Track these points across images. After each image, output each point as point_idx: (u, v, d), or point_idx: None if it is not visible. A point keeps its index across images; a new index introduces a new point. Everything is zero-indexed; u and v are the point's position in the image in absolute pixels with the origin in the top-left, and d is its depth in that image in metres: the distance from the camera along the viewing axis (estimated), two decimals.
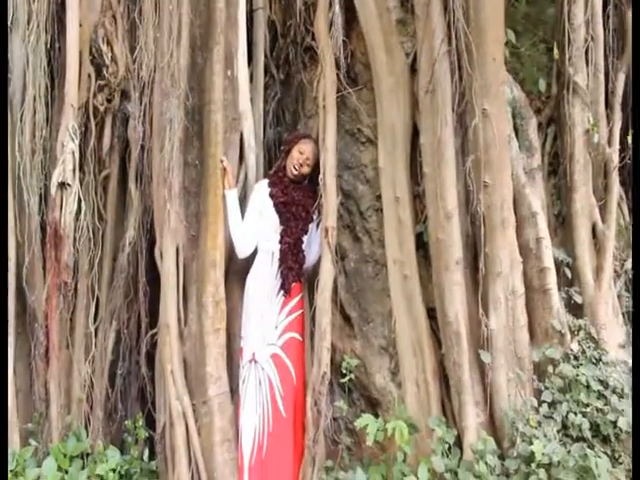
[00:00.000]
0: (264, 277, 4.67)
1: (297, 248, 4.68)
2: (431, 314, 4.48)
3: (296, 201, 4.71)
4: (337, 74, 4.86)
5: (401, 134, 4.57)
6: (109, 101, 5.29)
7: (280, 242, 4.68)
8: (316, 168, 4.74)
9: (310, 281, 4.79)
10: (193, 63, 5.01)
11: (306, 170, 4.78)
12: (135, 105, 5.23)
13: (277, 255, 4.67)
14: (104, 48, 5.19)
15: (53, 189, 4.59)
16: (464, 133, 4.31)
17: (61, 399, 5.09)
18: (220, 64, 4.81)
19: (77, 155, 4.66)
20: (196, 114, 4.99)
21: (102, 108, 5.24)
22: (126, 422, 5.04)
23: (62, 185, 4.60)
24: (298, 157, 4.75)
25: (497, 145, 4.09)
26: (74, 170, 4.63)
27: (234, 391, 4.65)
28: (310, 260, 4.82)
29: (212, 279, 4.59)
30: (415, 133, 4.61)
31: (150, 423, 5.02)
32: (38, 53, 4.99)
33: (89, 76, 5.14)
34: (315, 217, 4.81)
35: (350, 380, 4.65)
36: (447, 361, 4.18)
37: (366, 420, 4.22)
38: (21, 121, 4.98)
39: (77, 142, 4.66)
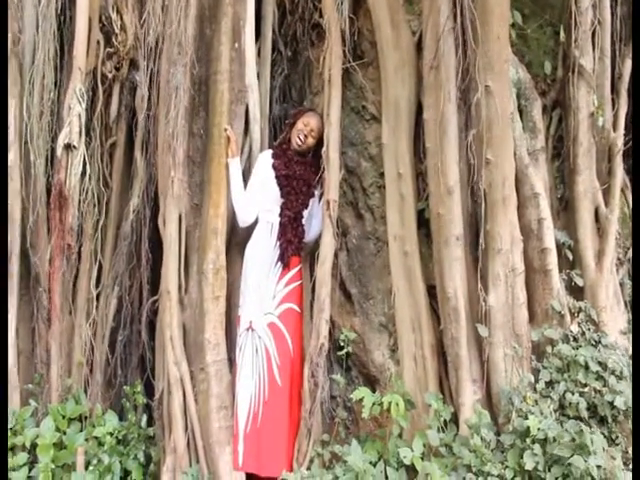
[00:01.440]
0: (263, 247, 4.49)
1: (297, 222, 4.50)
2: (431, 291, 4.29)
3: (298, 175, 4.52)
4: (343, 50, 4.66)
5: (405, 110, 4.37)
6: (117, 69, 5.09)
7: (280, 215, 4.50)
8: (320, 142, 4.54)
9: (311, 254, 4.61)
10: (201, 34, 4.82)
11: (311, 142, 4.58)
12: (142, 74, 5.04)
13: (276, 227, 4.49)
14: (114, 16, 4.97)
15: (59, 150, 4.41)
16: (467, 110, 4.11)
17: (62, 362, 4.91)
18: (227, 35, 4.63)
19: (84, 118, 4.48)
20: (202, 85, 4.81)
21: (110, 75, 5.04)
22: (125, 388, 4.86)
23: (68, 147, 4.42)
24: (302, 128, 4.56)
25: (500, 122, 3.89)
26: (80, 133, 4.45)
27: (233, 361, 4.46)
28: (311, 235, 4.65)
29: (213, 247, 4.39)
30: (419, 110, 4.41)
31: (149, 390, 4.87)
32: (49, 18, 4.80)
33: (98, 43, 4.93)
34: (317, 192, 4.63)
35: (348, 356, 4.50)
36: (445, 337, 4.00)
37: (362, 393, 4.04)
38: (30, 83, 4.79)
39: (84, 106, 4.48)
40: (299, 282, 4.55)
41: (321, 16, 4.92)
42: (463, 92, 4.06)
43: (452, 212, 3.92)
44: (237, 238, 4.71)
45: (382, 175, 4.63)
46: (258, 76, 4.99)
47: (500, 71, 3.92)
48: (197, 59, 4.73)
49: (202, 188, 4.66)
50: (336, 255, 4.51)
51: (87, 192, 4.83)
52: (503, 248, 3.89)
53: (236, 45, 4.79)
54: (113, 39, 5.00)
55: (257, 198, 4.52)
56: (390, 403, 3.86)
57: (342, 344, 4.38)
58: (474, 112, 3.97)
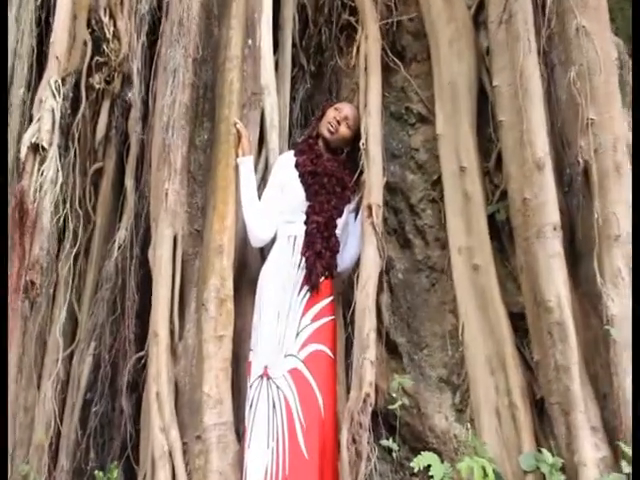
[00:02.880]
0: (284, 268, 3.26)
1: (328, 231, 3.28)
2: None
3: (328, 171, 3.36)
4: (382, 44, 3.72)
5: (464, 91, 3.33)
6: (108, 83, 4.13)
7: (306, 222, 3.30)
8: (356, 139, 3.44)
9: (349, 285, 3.43)
10: (207, 31, 3.92)
11: (344, 131, 3.44)
12: (136, 90, 4.09)
13: (301, 240, 3.29)
14: (105, 20, 4.07)
15: (23, 150, 3.30)
16: (551, 68, 3.07)
17: (17, 442, 3.65)
18: (238, 20, 3.68)
19: (58, 115, 3.43)
20: (208, 91, 3.83)
21: (99, 87, 4.06)
22: (97, 474, 3.52)
23: (36, 148, 3.35)
24: (335, 115, 3.46)
25: (602, 70, 2.80)
26: (53, 131, 3.38)
27: (241, 424, 3.15)
28: (346, 260, 3.43)
29: (217, 270, 3.22)
30: (481, 91, 3.41)
31: (131, 477, 3.55)
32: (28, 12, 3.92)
33: (85, 44, 3.99)
34: (354, 202, 3.46)
35: (398, 418, 3.21)
36: (543, 369, 2.71)
37: (428, 459, 2.72)
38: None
39: (60, 100, 3.44)
40: (331, 317, 3.26)
41: (351, 13, 4.03)
42: (544, 47, 3.00)
43: (545, 193, 2.75)
44: (249, 261, 3.53)
45: (435, 185, 3.55)
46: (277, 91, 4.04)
47: (597, 6, 2.90)
48: (202, 61, 3.83)
49: (205, 212, 3.53)
50: (377, 296, 3.34)
51: (62, 220, 3.75)
52: (621, 234, 2.72)
53: (249, 42, 3.83)
54: (104, 46, 4.09)
55: (275, 208, 3.36)
56: (471, 470, 2.56)
57: (394, 395, 3.11)
58: (565, 62, 2.90)
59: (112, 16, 4.12)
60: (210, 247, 3.28)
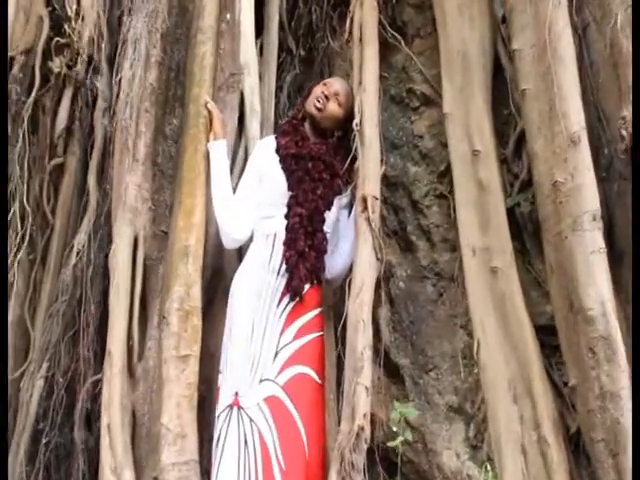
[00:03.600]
0: (260, 274, 2.66)
1: (313, 225, 2.69)
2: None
3: (315, 155, 2.76)
4: (380, 18, 3.17)
5: (477, 62, 2.78)
6: (70, 67, 3.60)
7: (287, 215, 2.70)
8: (349, 122, 2.83)
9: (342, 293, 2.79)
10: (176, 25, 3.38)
11: (335, 108, 2.84)
12: (104, 77, 3.56)
13: (281, 239, 2.69)
14: None
15: None
16: (583, 28, 2.50)
17: None
18: None
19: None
20: (180, 74, 3.26)
21: (59, 72, 3.52)
22: None
23: None
24: (323, 89, 2.86)
25: None
26: None
27: (205, 456, 2.57)
28: (338, 264, 2.83)
29: (181, 276, 2.64)
30: (496, 67, 2.85)
31: None
32: None
33: (41, 19, 3.46)
34: (346, 196, 2.87)
35: (399, 456, 2.63)
36: (582, 396, 2.10)
37: None
38: None
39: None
40: (318, 334, 2.66)
41: None
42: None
43: (581, 174, 2.15)
44: (224, 266, 2.96)
45: (443, 177, 2.99)
46: (260, 84, 3.50)
47: None
48: (175, 40, 3.30)
49: (175, 211, 2.95)
50: (374, 308, 2.75)
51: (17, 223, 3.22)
52: None
53: (228, 16, 3.30)
54: (65, 26, 3.56)
55: (252, 201, 2.77)
56: None
57: (395, 429, 2.53)
58: (600, 19, 2.34)
59: None
60: (174, 249, 2.71)
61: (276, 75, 3.62)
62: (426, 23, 3.25)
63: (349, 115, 2.85)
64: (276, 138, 2.86)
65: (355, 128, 2.75)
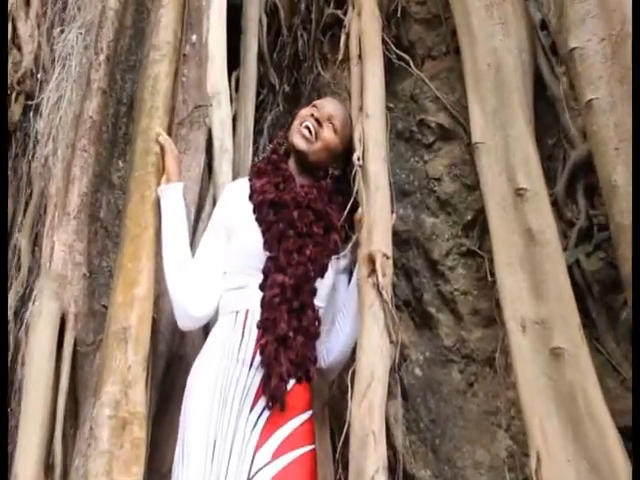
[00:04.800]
0: (225, 367, 1.86)
1: (302, 299, 1.91)
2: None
3: (301, 201, 2.00)
4: (382, 36, 2.49)
5: (515, 77, 2.04)
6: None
7: (263, 285, 1.92)
8: (348, 157, 2.13)
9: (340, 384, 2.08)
10: (136, 20, 2.70)
11: (329, 137, 2.08)
12: (43, 118, 2.84)
13: (254, 317, 1.91)
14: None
15: None
16: None
17: None
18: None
19: None
20: (129, 119, 2.58)
21: None
22: None
23: None
24: (313, 112, 2.11)
25: None
26: None
27: None
28: (335, 348, 2.06)
29: (117, 370, 1.86)
30: (538, 79, 2.15)
31: None
32: None
33: None
34: (345, 258, 2.12)
35: None
36: None
37: None
38: None
39: None
40: (308, 448, 1.86)
41: (338, 6, 2.83)
42: None
43: None
44: (181, 353, 2.19)
45: (469, 228, 2.25)
46: (234, 120, 2.81)
47: None
48: (129, 67, 2.63)
49: (114, 280, 2.16)
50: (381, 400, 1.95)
51: None
52: None
53: (193, 38, 2.64)
54: None
55: (217, 265, 2.00)
56: None
57: None
58: None
59: (13, 20, 2.93)
60: (110, 332, 1.95)
61: (255, 114, 2.97)
62: (439, 41, 2.58)
63: (347, 146, 2.13)
64: (250, 181, 2.11)
65: (356, 163, 2.03)
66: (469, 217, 2.27)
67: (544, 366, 1.80)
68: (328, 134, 2.08)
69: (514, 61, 2.07)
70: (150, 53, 2.31)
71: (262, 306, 1.89)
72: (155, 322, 2.07)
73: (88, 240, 2.25)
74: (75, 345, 2.12)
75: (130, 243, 2.02)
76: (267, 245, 1.94)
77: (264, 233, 1.95)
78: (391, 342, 1.82)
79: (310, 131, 2.06)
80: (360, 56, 2.28)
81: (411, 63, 2.50)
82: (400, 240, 2.42)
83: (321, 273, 1.98)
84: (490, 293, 2.18)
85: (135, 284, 1.96)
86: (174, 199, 2.04)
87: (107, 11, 2.49)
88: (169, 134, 2.30)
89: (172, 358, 2.19)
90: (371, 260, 1.87)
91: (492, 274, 2.13)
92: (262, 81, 3.16)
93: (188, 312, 1.94)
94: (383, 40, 2.53)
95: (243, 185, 2.11)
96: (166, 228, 2.01)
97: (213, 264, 1.99)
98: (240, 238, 1.99)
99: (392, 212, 2.09)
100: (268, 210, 1.97)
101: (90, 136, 2.32)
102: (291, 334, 1.85)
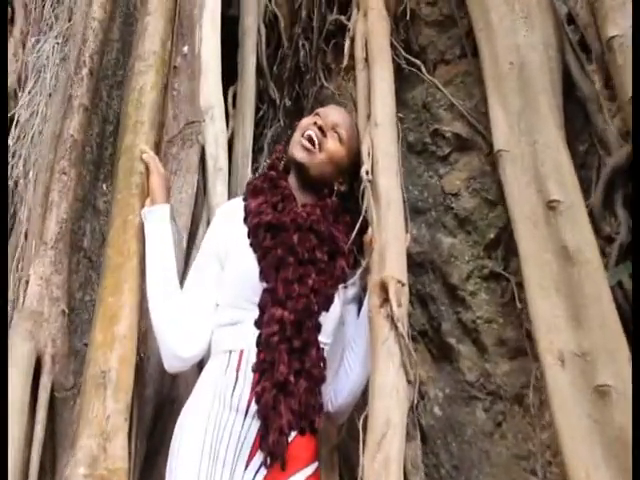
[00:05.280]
0: (216, 414, 1.59)
1: (304, 337, 1.65)
2: None
3: (304, 223, 1.74)
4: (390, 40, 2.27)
5: (542, 76, 1.80)
6: None
7: (259, 322, 1.66)
8: (356, 172, 1.87)
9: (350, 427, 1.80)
10: (124, 33, 2.48)
11: (335, 148, 1.83)
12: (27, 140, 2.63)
13: (250, 359, 1.65)
14: None
15: None
16: None
17: None
18: (160, 4, 2.23)
19: None
20: (116, 138, 2.31)
21: None
22: None
23: None
24: (315, 120, 1.86)
25: None
26: None
27: None
28: (344, 389, 1.79)
29: (95, 420, 1.60)
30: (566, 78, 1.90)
31: None
32: None
33: None
34: (355, 286, 1.86)
35: None
36: None
37: None
38: None
39: None
40: None
41: (342, 11, 2.60)
42: None
43: None
44: (173, 396, 1.94)
45: (492, 248, 1.99)
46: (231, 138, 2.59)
47: None
48: (117, 83, 2.40)
49: (94, 316, 1.92)
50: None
51: None
52: None
53: (185, 49, 2.42)
54: None
55: (208, 298, 1.74)
56: None
57: None
58: None
59: None
60: (88, 376, 1.70)
61: (254, 130, 2.74)
62: (452, 44, 2.33)
63: (355, 159, 1.88)
64: (244, 200, 1.85)
65: (365, 178, 1.78)
66: (492, 235, 2.01)
67: (588, 406, 1.53)
68: (333, 144, 1.82)
69: (540, 58, 1.82)
70: (135, 64, 2.09)
71: (258, 346, 1.63)
72: (141, 362, 1.84)
73: (68, 272, 2.01)
74: (52, 390, 1.87)
75: (111, 274, 1.78)
76: (263, 275, 1.68)
77: (260, 261, 1.69)
78: (409, 382, 1.56)
79: (312, 141, 1.80)
80: (367, 59, 2.04)
81: (422, 69, 2.26)
82: (414, 263, 2.16)
83: (326, 306, 1.71)
84: (518, 321, 1.93)
85: (116, 320, 1.71)
86: (159, 223, 1.79)
87: (91, 21, 2.28)
88: (157, 152, 2.08)
89: (162, 403, 1.94)
90: (384, 288, 1.62)
91: (520, 299, 1.89)
92: (261, 96, 2.92)
93: (175, 352, 1.68)
94: (391, 45, 2.30)
95: (237, 206, 1.85)
96: (150, 256, 1.77)
97: (204, 296, 1.73)
98: (233, 267, 1.73)
99: (406, 232, 1.85)
100: (264, 234, 1.71)
101: (71, 157, 2.08)
102: (292, 379, 1.59)
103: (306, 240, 1.71)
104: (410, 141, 2.36)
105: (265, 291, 1.66)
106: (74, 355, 1.97)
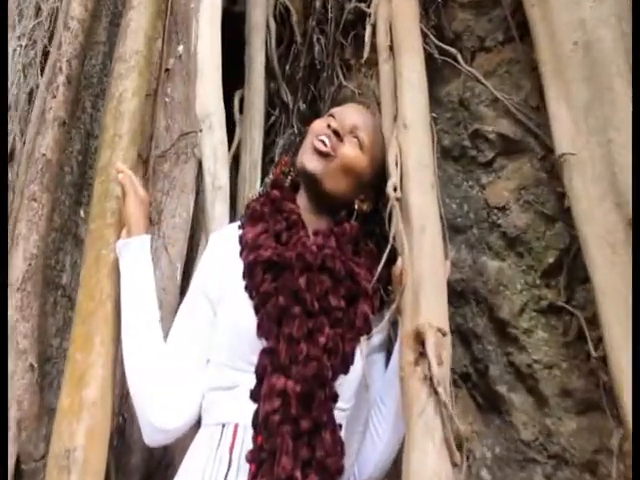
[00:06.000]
0: None
1: (315, 413, 1.22)
2: None
3: (312, 260, 1.32)
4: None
5: (615, 58, 1.37)
6: None
7: (256, 394, 1.25)
8: (380, 186, 1.48)
9: None
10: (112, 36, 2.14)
11: (353, 154, 1.41)
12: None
13: (247, 436, 1.24)
14: None
15: None
16: None
17: None
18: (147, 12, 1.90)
19: None
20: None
21: None
22: None
23: None
24: (329, 122, 1.45)
25: None
26: None
27: None
28: (372, 458, 1.40)
29: None
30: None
31: None
32: None
33: None
34: (381, 333, 1.43)
35: None
36: None
37: None
38: None
39: None
40: None
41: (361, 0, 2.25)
42: None
43: None
44: (159, 468, 1.55)
45: (552, 275, 1.58)
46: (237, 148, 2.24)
47: None
48: (103, 94, 2.07)
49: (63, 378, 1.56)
50: None
51: None
52: None
53: (180, 49, 2.07)
54: None
55: (198, 355, 1.35)
56: None
57: None
58: None
59: None
60: (52, 454, 1.35)
61: (265, 139, 2.39)
62: (494, 28, 1.93)
63: (379, 170, 1.49)
64: (241, 228, 1.46)
65: (392, 195, 1.39)
66: (550, 259, 1.60)
67: None
68: (351, 150, 1.42)
69: (612, 35, 1.41)
70: (115, 67, 1.74)
71: (255, 427, 1.23)
72: (124, 424, 1.49)
73: (39, 316, 1.68)
74: (18, 462, 1.54)
75: (81, 324, 1.42)
76: (261, 330, 1.28)
77: (257, 310, 1.30)
78: (454, 465, 1.18)
79: (325, 146, 1.41)
80: (392, 48, 1.66)
81: (459, 58, 1.88)
82: (454, 293, 1.76)
83: (344, 369, 1.30)
84: (587, 366, 1.53)
85: (84, 383, 1.35)
86: (136, 258, 1.42)
87: (69, 20, 1.95)
88: (146, 170, 1.74)
89: (152, 472, 1.58)
90: (419, 339, 1.22)
91: (592, 338, 1.50)
92: (272, 100, 2.59)
93: (156, 424, 1.31)
94: (421, 32, 1.92)
95: (233, 235, 1.45)
96: (125, 300, 1.40)
97: (192, 351, 1.35)
98: (226, 316, 1.34)
99: (446, 259, 1.47)
100: (263, 275, 1.32)
101: (43, 180, 1.74)
102: (298, 474, 1.18)
103: (317, 282, 1.31)
104: (445, 145, 1.96)
105: (263, 352, 1.27)
106: (47, 415, 1.62)
